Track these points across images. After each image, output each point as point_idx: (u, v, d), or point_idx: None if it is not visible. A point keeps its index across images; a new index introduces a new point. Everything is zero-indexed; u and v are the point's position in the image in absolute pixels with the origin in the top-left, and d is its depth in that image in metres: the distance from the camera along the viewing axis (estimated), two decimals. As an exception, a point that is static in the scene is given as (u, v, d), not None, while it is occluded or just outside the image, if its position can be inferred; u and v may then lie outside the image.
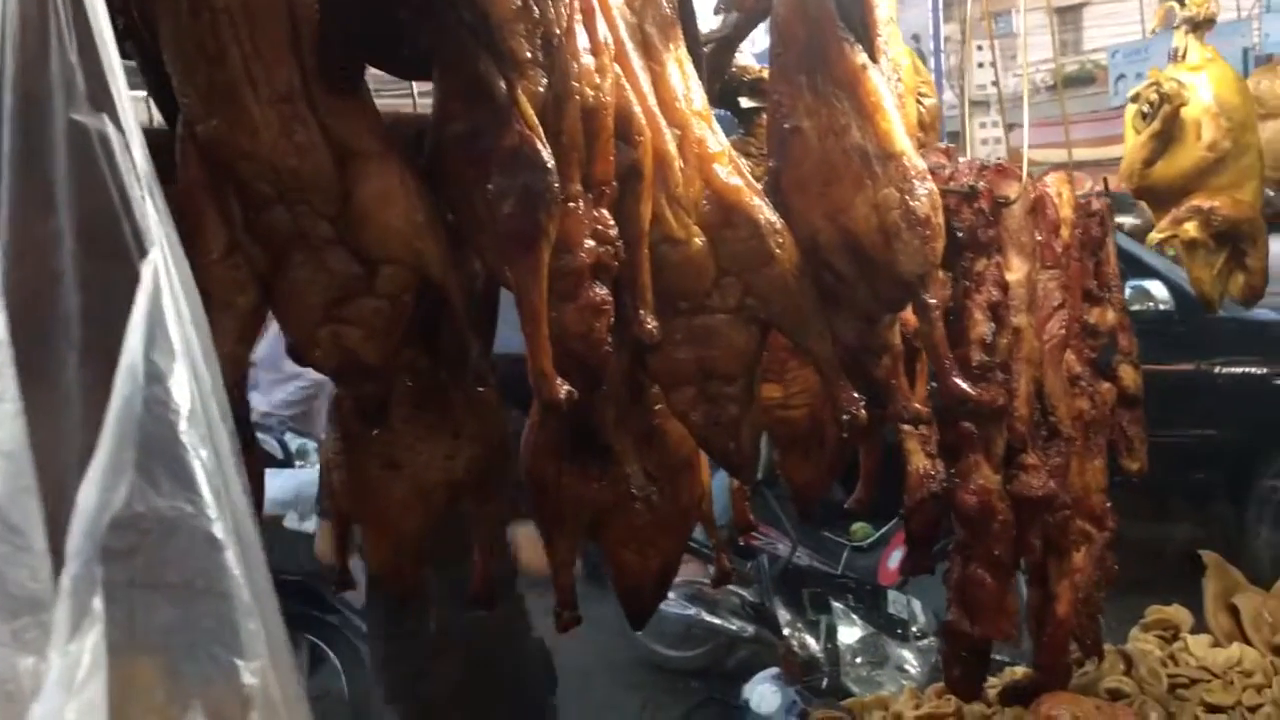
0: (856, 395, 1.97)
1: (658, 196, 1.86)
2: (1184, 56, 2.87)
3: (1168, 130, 2.80)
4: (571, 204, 1.71)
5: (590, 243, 1.74)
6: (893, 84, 1.99)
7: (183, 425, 1.08)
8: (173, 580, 1.09)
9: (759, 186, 1.96)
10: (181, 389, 1.09)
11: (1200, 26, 2.87)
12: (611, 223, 1.77)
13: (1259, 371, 8.17)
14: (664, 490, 2.19)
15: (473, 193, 1.69)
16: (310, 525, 6.18)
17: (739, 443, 2.02)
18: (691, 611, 6.55)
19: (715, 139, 1.94)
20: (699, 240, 1.91)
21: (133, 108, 1.26)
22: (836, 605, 5.72)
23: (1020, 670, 3.23)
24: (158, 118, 1.90)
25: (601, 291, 1.76)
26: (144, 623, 1.08)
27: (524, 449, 2.31)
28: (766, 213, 1.93)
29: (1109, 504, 2.92)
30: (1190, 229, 2.84)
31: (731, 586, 6.22)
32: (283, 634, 1.13)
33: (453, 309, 1.84)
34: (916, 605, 5.94)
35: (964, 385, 1.95)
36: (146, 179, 1.22)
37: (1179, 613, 3.45)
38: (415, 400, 2.17)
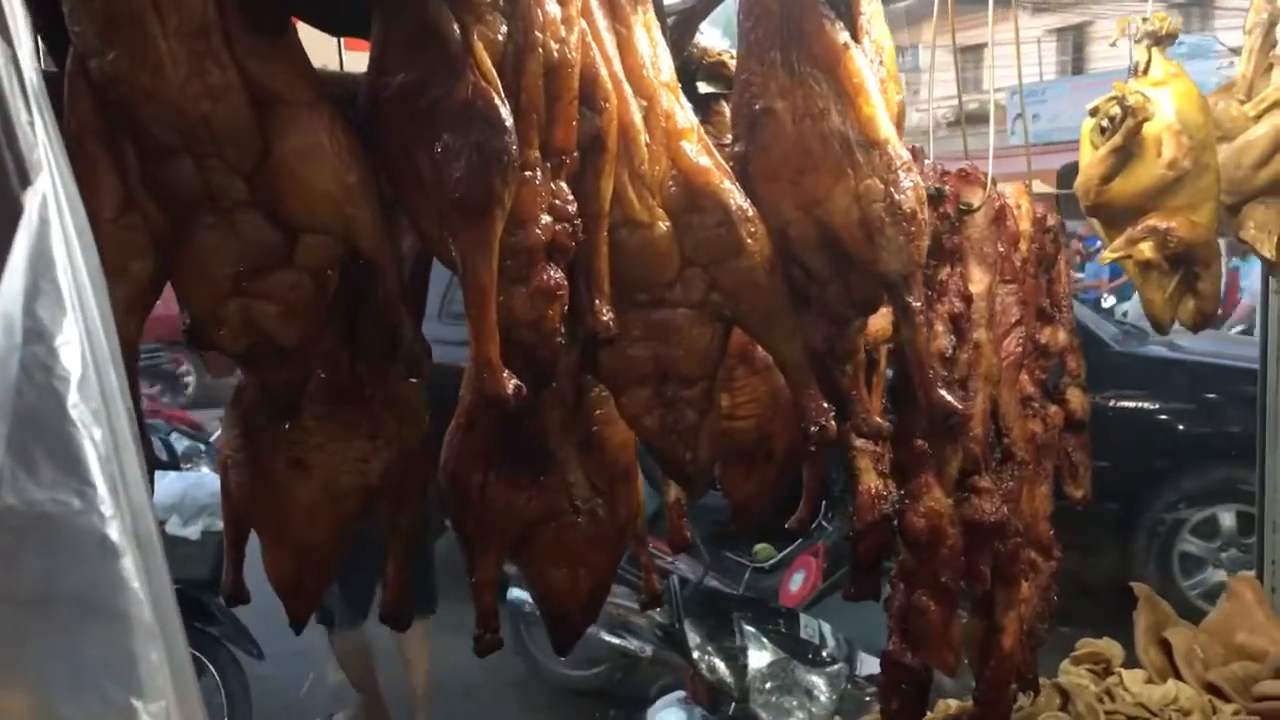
0: (826, 405, 1.79)
1: (620, 173, 1.67)
2: (1145, 71, 2.77)
3: (1128, 146, 2.69)
4: (528, 172, 1.50)
5: (546, 218, 1.53)
6: (875, 67, 1.83)
7: (72, 396, 0.84)
8: (53, 595, 0.84)
9: (729, 169, 1.78)
10: (72, 351, 0.85)
11: (1162, 41, 2.78)
12: (571, 197, 1.57)
13: (1148, 406, 8.32)
14: (601, 503, 1.99)
15: (415, 153, 1.47)
16: (194, 531, 5.88)
17: (696, 453, 1.82)
18: (589, 629, 6.32)
19: (684, 114, 1.75)
20: (663, 225, 1.72)
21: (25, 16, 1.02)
22: (747, 628, 5.56)
23: (955, 704, 3.09)
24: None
25: (556, 275, 1.55)
26: (13, 650, 0.83)
27: (446, 453, 2.08)
28: (738, 198, 1.74)
29: (1053, 532, 2.81)
30: (1146, 249, 2.74)
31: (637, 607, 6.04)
32: (189, 667, 0.89)
33: (384, 287, 1.62)
34: (826, 629, 5.82)
35: (949, 398, 1.79)
36: (37, 98, 0.98)
37: (1110, 646, 3.35)
38: (329, 395, 1.94)
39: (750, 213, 1.75)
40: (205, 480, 6.28)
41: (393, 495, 2.02)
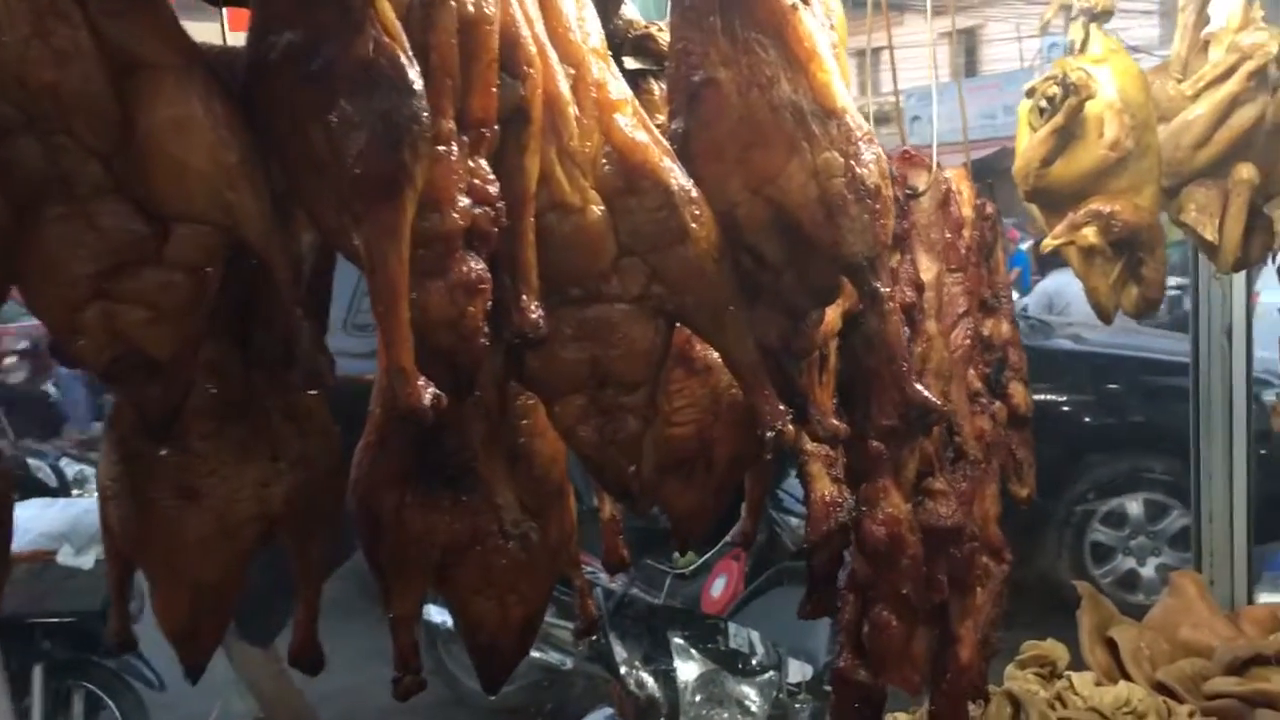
0: (783, 408, 1.60)
1: (547, 150, 1.46)
2: (1083, 48, 2.65)
3: (1069, 126, 2.57)
4: (441, 147, 1.29)
5: (464, 201, 1.31)
6: (826, 31, 1.65)
7: None
8: None
9: (668, 145, 1.58)
10: None
11: (1099, 17, 2.66)
12: (492, 177, 1.35)
13: (1054, 399, 8.42)
14: (533, 525, 1.78)
15: (308, 125, 1.25)
16: (87, 561, 5.57)
17: (640, 466, 1.62)
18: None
19: (617, 84, 1.55)
20: (596, 208, 1.51)
21: None
22: (675, 640, 5.37)
23: (904, 716, 2.93)
24: None
25: (477, 266, 1.34)
26: None
27: (356, 474, 1.86)
28: (680, 178, 1.54)
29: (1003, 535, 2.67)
30: (1089, 234, 2.62)
31: (558, 620, 5.84)
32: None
33: (275, 284, 1.38)
34: (755, 637, 5.65)
35: (927, 393, 1.61)
36: None
37: (1055, 648, 3.24)
38: (219, 411, 1.70)
39: (694, 194, 1.55)
40: (96, 507, 5.91)
41: (299, 524, 1.78)
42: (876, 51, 2.75)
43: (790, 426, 1.61)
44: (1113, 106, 2.56)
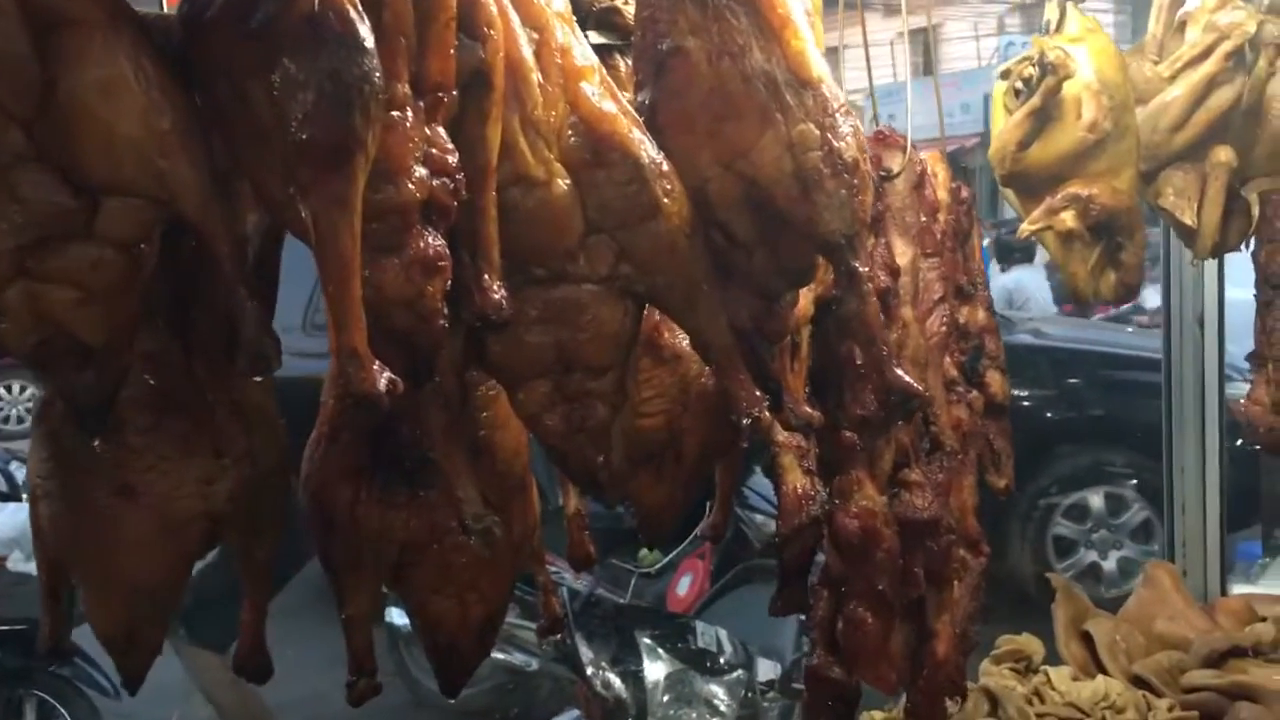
0: (759, 393, 1.52)
1: (509, 119, 1.37)
2: (1058, 29, 2.59)
3: (1046, 107, 2.51)
4: (395, 113, 1.20)
5: (420, 171, 1.22)
6: (801, -2, 1.57)
7: None
8: None
9: (637, 116, 1.49)
10: None
11: (1076, -6, 2.61)
12: (450, 146, 1.26)
13: (1016, 393, 8.42)
14: (495, 520, 1.69)
15: (248, 86, 1.15)
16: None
17: (609, 455, 1.53)
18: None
19: (582, 50, 1.47)
20: (562, 182, 1.42)
21: None
22: (642, 639, 5.29)
23: (879, 715, 2.86)
24: None
25: (436, 242, 1.25)
26: None
27: (308, 469, 1.76)
28: (650, 150, 1.46)
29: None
30: (1067, 219, 2.56)
31: (521, 621, 5.73)
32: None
33: (216, 262, 1.28)
34: (723, 635, 5.58)
35: (907, 378, 1.53)
36: None
37: (1030, 642, 3.17)
38: (159, 404, 1.59)
39: (665, 167, 1.47)
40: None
41: (245, 522, 1.68)
42: (834, 50, 2.69)
43: (766, 413, 1.53)
44: (1090, 87, 2.50)
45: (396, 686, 6.41)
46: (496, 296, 1.36)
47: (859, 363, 2.00)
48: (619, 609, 5.81)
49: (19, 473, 7.57)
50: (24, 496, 6.97)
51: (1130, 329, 10.73)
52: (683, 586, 6.81)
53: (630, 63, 1.85)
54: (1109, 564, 8.17)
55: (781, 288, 1.60)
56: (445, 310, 1.28)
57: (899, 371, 1.53)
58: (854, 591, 2.09)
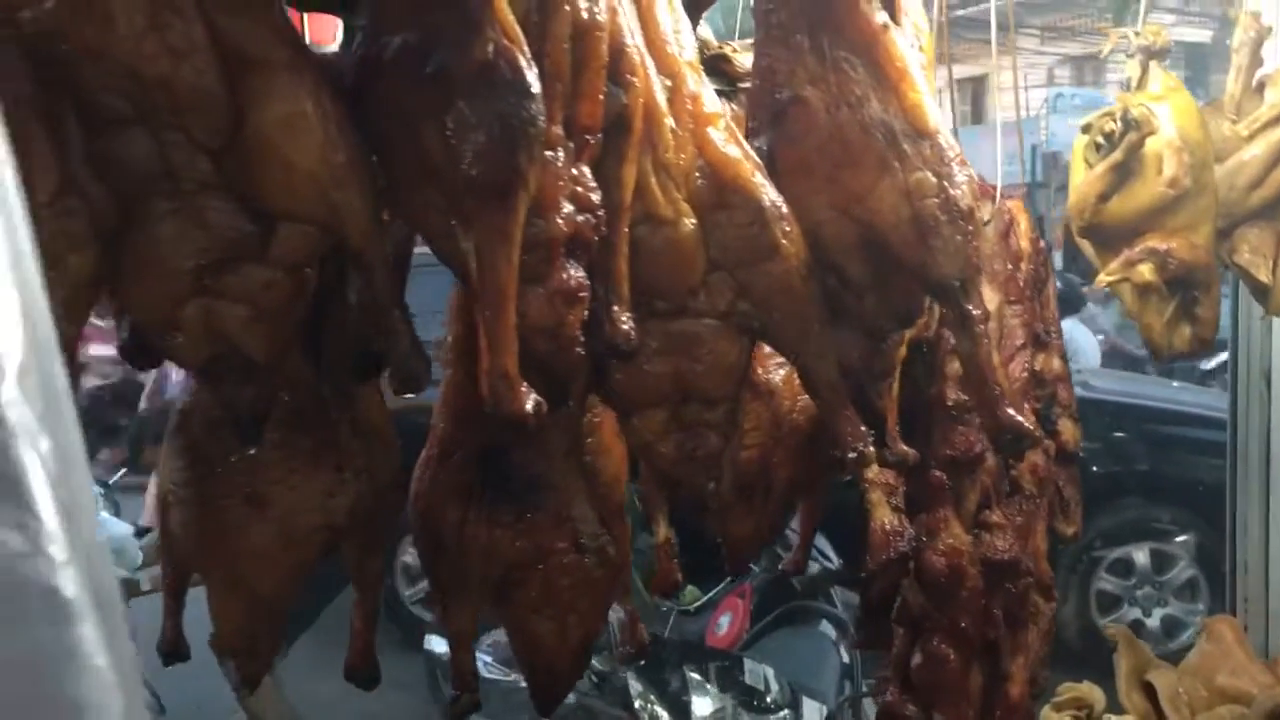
0: (864, 429, 1.58)
1: (643, 161, 1.45)
2: (1140, 85, 2.65)
3: (1128, 162, 2.56)
4: (549, 153, 1.28)
5: (568, 207, 1.30)
6: (915, 52, 1.64)
7: (8, 389, 0.58)
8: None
9: (759, 161, 1.57)
10: (9, 328, 0.60)
11: (1156, 55, 2.67)
12: (594, 184, 1.34)
13: (1065, 446, 8.37)
14: (609, 539, 1.75)
15: (420, 127, 1.24)
16: None
17: (720, 483, 1.60)
18: (510, 678, 6.02)
19: (711, 97, 1.55)
20: (689, 222, 1.50)
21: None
22: (691, 675, 5.31)
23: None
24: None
25: (578, 274, 1.32)
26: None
27: (418, 488, 1.84)
28: (771, 194, 1.53)
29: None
30: (1145, 272, 2.60)
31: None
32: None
33: (371, 288, 1.37)
34: (770, 673, 5.59)
35: (1019, 418, 1.59)
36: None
37: (1092, 690, 3.18)
38: (291, 421, 1.68)
39: (784, 211, 1.54)
40: (103, 526, 5.93)
41: (360, 536, 1.76)
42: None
43: (871, 448, 1.59)
44: (1172, 144, 2.55)
45: (433, 714, 6.43)
46: (625, 327, 1.43)
47: (949, 404, 2.06)
48: (667, 643, 5.83)
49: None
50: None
51: (1176, 384, 10.67)
52: (722, 626, 6.80)
53: (737, 108, 1.94)
54: (1153, 621, 8.07)
55: (890, 328, 1.67)
56: (582, 339, 1.35)
57: (1011, 411, 1.59)
58: (936, 628, 2.14)
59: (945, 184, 1.54)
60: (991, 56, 3.51)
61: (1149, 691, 3.22)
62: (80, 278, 1.26)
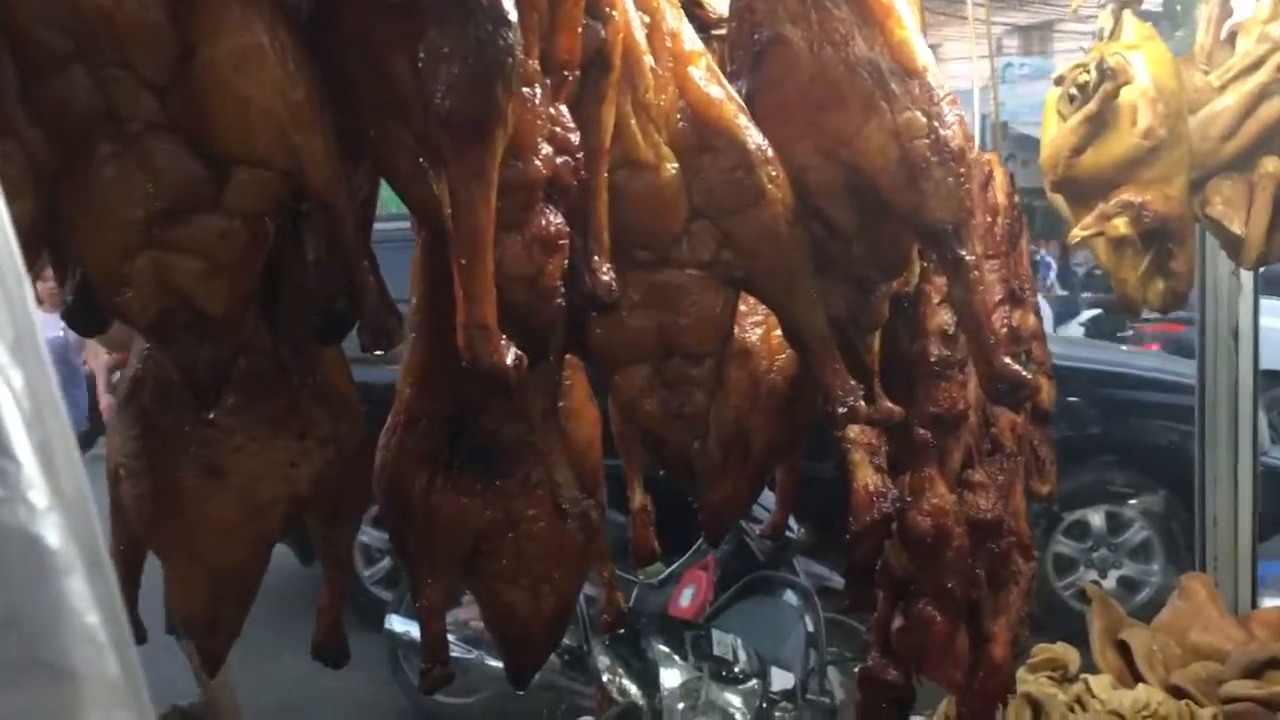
0: (854, 383, 1.52)
1: (621, 101, 1.37)
2: (1114, 35, 2.60)
3: (1102, 113, 2.51)
4: (525, 89, 1.19)
5: (547, 149, 1.22)
6: (900, -13, 1.57)
7: None
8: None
9: (742, 103, 1.49)
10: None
11: (1130, 3, 2.62)
12: (573, 125, 1.26)
13: (1019, 411, 8.44)
14: (593, 504, 1.68)
15: (388, 59, 1.15)
16: None
17: (705, 441, 1.53)
18: (473, 655, 5.96)
19: (690, 35, 1.47)
20: (670, 166, 1.42)
21: None
22: (659, 647, 5.27)
23: (925, 718, 2.85)
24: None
25: (556, 220, 1.24)
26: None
27: (383, 456, 1.75)
28: (755, 136, 1.46)
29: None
30: (1120, 225, 2.56)
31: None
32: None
33: (336, 239, 1.28)
34: (738, 643, 5.56)
35: (1016, 366, 1.53)
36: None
37: (1067, 651, 3.18)
38: (248, 386, 1.59)
39: (770, 154, 1.47)
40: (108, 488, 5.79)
41: (326, 507, 1.67)
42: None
43: (862, 402, 1.52)
44: (1147, 94, 2.51)
45: (394, 694, 6.36)
46: (606, 279, 1.35)
47: (932, 360, 2.00)
48: (634, 615, 5.78)
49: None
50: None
51: (1125, 348, 10.76)
52: (686, 598, 6.77)
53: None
54: (1109, 583, 8.13)
55: (878, 278, 1.60)
56: (562, 289, 1.27)
57: (1008, 360, 1.53)
58: (921, 590, 2.09)
59: (935, 124, 1.47)
60: (940, 27, 3.47)
61: (1123, 650, 3.22)
62: (20, 227, 1.15)
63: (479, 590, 1.87)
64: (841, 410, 1.51)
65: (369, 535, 7.07)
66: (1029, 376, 1.55)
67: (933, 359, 2.00)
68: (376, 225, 1.60)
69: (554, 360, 1.54)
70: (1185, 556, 7.56)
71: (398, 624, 5.91)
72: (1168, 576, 7.62)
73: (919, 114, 1.47)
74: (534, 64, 1.21)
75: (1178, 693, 3.01)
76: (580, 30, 1.26)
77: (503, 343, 1.17)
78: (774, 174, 1.46)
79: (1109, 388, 8.50)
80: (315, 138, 1.19)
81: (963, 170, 1.48)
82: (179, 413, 1.52)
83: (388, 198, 1.51)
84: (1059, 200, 2.75)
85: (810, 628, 5.80)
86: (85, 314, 1.34)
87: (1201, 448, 3.65)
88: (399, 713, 6.50)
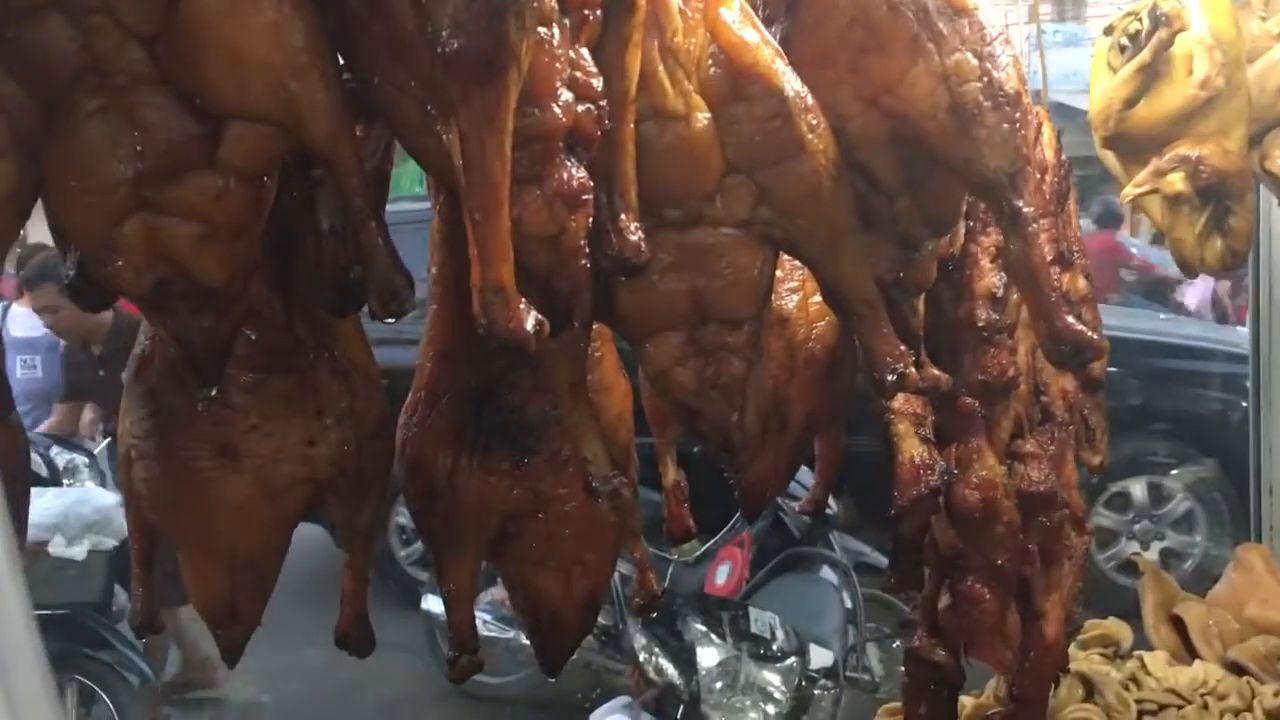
0: (904, 348, 1.41)
1: (648, 46, 1.26)
2: (1166, -20, 2.47)
3: (1155, 63, 2.38)
4: (542, 29, 1.09)
5: (567, 95, 1.12)
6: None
7: None
8: None
9: (779, 46, 1.38)
10: None
11: (1183, -53, 2.47)
12: (594, 69, 1.16)
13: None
14: (624, 481, 1.58)
15: (391, -2, 1.05)
16: (79, 552, 5.42)
17: (744, 414, 1.43)
18: (510, 634, 5.92)
19: (721, -27, 1.36)
20: (702, 117, 1.32)
21: None
22: (695, 625, 5.19)
23: (970, 701, 2.75)
24: None
25: (579, 174, 1.14)
26: None
27: (404, 434, 1.66)
28: (794, 83, 1.35)
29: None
30: (1176, 181, 2.43)
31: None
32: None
33: (343, 197, 1.18)
34: (775, 621, 5.48)
35: (1080, 326, 1.42)
36: None
37: (1120, 627, 3.05)
38: (261, 362, 1.50)
39: (810, 102, 1.35)
40: (89, 496, 5.83)
41: (347, 488, 1.59)
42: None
43: (913, 370, 1.42)
44: (1203, 42, 2.36)
45: (433, 674, 6.35)
46: (634, 238, 1.26)
47: (980, 324, 1.89)
48: (670, 594, 5.71)
49: (60, 458, 7.55)
50: (64, 482, 6.96)
51: (1164, 316, 10.54)
52: (721, 575, 6.70)
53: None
54: (1151, 554, 7.99)
55: (924, 236, 1.49)
56: (587, 249, 1.17)
57: (1071, 319, 1.41)
58: (970, 567, 1.98)
59: (988, 65, 1.35)
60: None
61: (1177, 625, 3.10)
62: (1, 191, 1.07)
63: (507, 574, 1.79)
64: (891, 378, 1.40)
65: (404, 516, 7.06)
66: (1094, 337, 1.43)
67: (980, 323, 1.89)
68: (398, 206, 1.51)
69: (580, 329, 1.44)
70: (1229, 527, 7.41)
71: (434, 604, 5.88)
72: (1211, 547, 7.49)
73: (969, 55, 1.35)
74: (551, 1, 1.11)
75: (1236, 669, 2.89)
76: (601, -35, 1.16)
77: (522, 306, 1.07)
78: (814, 123, 1.35)
79: (1148, 356, 8.34)
80: (315, 87, 1.09)
81: (1018, 115, 1.36)
82: (188, 390, 1.44)
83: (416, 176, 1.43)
84: (1110, 157, 2.61)
85: (848, 604, 5.72)
86: (87, 289, 1.26)
87: (1257, 415, 3.51)
88: (438, 692, 6.51)
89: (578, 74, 1.13)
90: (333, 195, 1.39)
